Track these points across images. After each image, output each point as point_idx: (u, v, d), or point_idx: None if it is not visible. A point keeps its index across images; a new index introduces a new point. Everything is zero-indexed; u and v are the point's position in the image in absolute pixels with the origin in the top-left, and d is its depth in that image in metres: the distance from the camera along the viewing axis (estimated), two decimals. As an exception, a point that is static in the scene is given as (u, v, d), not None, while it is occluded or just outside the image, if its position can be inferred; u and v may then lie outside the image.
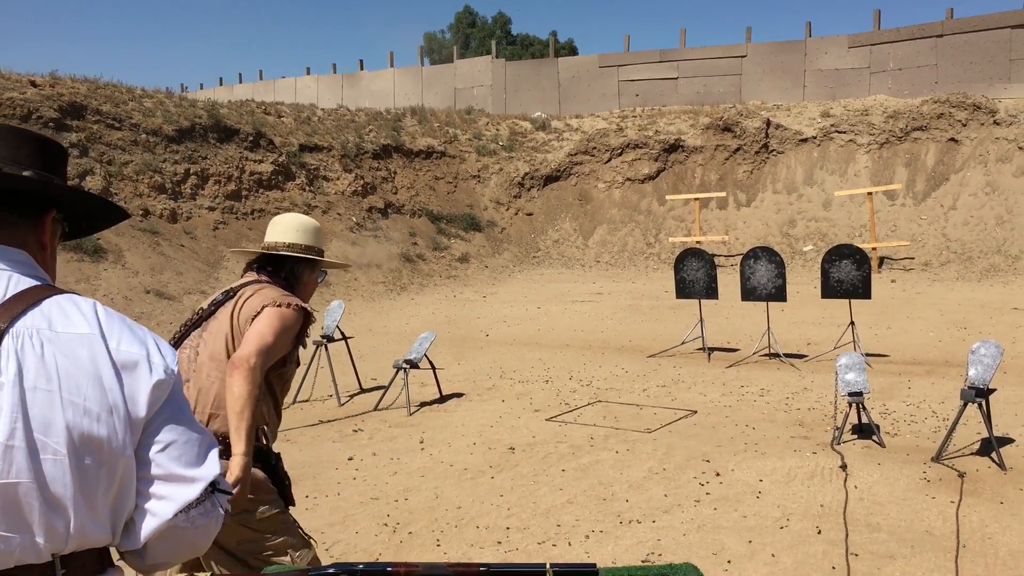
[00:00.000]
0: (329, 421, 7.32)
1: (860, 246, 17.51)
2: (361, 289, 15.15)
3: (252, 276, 3.02)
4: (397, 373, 7.80)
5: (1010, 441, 6.14)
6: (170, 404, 1.41)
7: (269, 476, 2.79)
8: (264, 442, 2.78)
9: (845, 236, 18.58)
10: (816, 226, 19.29)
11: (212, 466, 1.43)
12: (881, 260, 17.51)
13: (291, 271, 3.02)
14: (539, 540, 4.52)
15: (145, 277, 12.34)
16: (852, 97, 22.08)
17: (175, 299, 12.18)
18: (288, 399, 8.10)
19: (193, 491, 1.39)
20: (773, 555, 4.25)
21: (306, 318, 2.87)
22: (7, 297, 1.35)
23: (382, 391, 7.95)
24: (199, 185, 15.18)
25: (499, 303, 14.91)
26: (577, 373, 9.02)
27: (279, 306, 2.79)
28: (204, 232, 14.53)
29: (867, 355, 9.32)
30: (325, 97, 29.05)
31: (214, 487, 1.43)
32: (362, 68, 30.06)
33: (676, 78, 24.29)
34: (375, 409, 7.67)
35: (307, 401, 8.02)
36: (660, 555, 4.28)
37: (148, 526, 1.37)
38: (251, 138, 16.72)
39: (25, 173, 1.42)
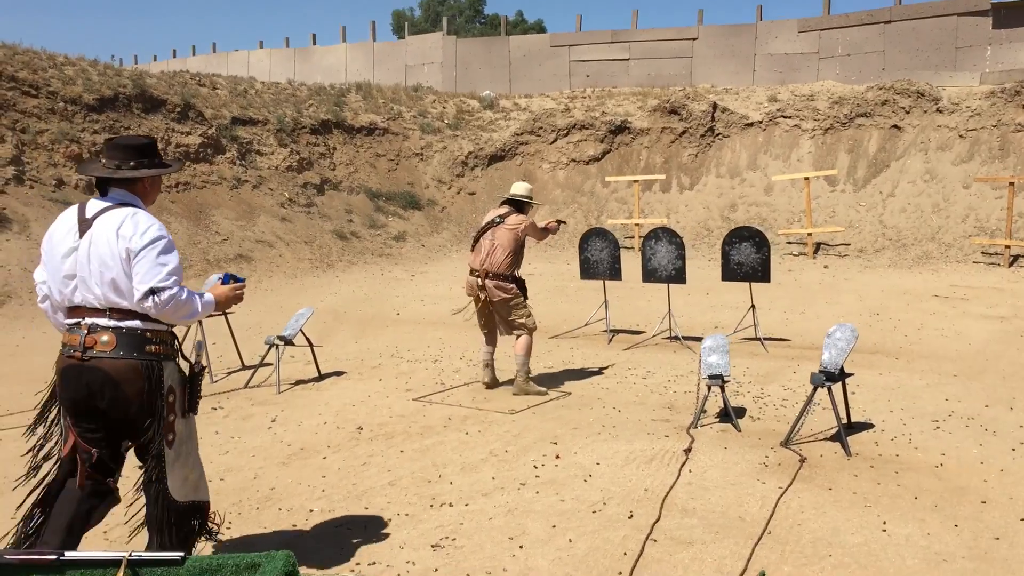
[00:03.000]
0: (192, 398, 7.09)
1: (797, 231, 17.52)
2: (285, 266, 14.87)
3: (506, 208, 7.16)
4: (270, 350, 7.59)
5: (869, 427, 6.03)
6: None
7: (520, 289, 7.10)
8: (517, 273, 7.15)
9: (784, 221, 18.53)
10: (757, 211, 19.20)
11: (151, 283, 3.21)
12: (817, 246, 17.46)
13: (521, 206, 7.20)
14: (338, 524, 4.34)
15: (50, 249, 12.00)
16: (800, 82, 21.97)
17: (79, 272, 11.87)
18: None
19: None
20: (570, 540, 4.10)
21: (531, 222, 7.11)
22: (104, 207, 3.35)
23: (252, 369, 7.74)
24: (120, 156, 14.79)
25: (426, 282, 14.69)
26: (469, 354, 8.84)
27: (518, 215, 7.09)
28: (122, 204, 14.18)
29: (766, 339, 9.22)
30: (277, 71, 28.58)
31: (152, 291, 3.21)
32: (315, 43, 29.59)
33: (627, 59, 24.07)
34: (245, 387, 7.45)
35: (178, 377, 7.78)
36: (454, 539, 4.12)
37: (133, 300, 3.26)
38: (179, 109, 16.33)
39: (109, 171, 3.41)
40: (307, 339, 7.85)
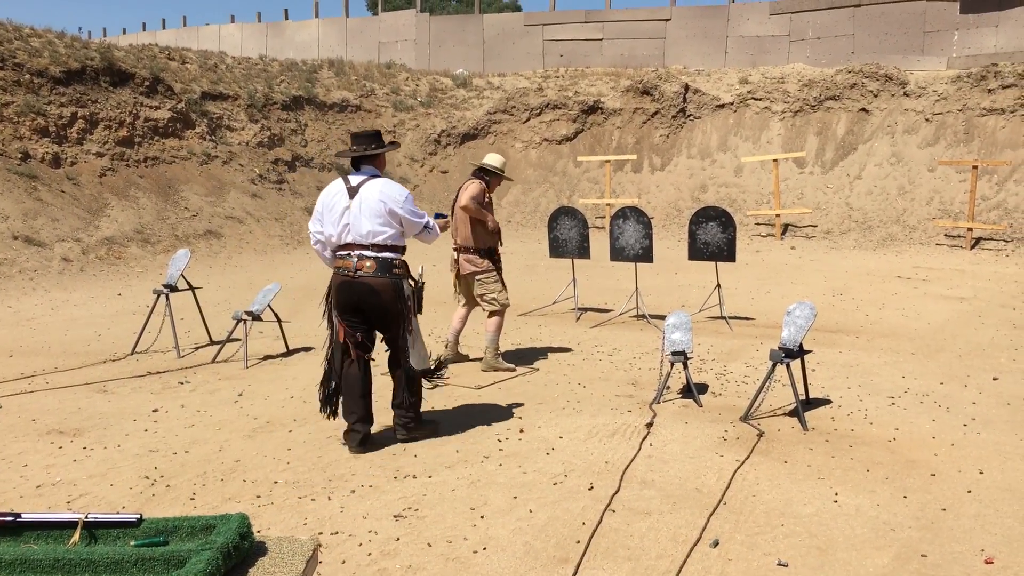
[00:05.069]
0: (159, 373, 7.09)
1: (766, 213, 17.69)
2: (255, 242, 14.81)
3: (470, 179, 7.13)
4: (237, 325, 7.60)
5: (827, 402, 6.17)
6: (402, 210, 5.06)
7: (492, 262, 7.12)
8: (491, 246, 7.11)
9: (754, 202, 18.70)
10: (727, 192, 19.35)
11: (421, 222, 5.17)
12: (785, 227, 17.65)
13: (487, 174, 7.14)
14: (301, 495, 4.40)
15: (15, 222, 11.87)
16: (771, 65, 22.10)
17: (45, 246, 11.75)
18: (126, 350, 7.87)
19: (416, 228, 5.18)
20: (531, 511, 4.19)
21: (483, 188, 7.07)
22: (364, 179, 5.07)
23: (219, 344, 7.75)
24: (87, 130, 14.64)
25: (397, 260, 14.71)
26: (438, 330, 8.89)
27: (473, 184, 7.03)
28: (89, 178, 14.03)
29: (731, 318, 9.35)
30: (249, 46, 28.28)
31: (424, 227, 5.21)
32: (287, 17, 29.29)
33: (601, 39, 24.07)
34: (212, 361, 7.46)
35: (145, 352, 7.78)
36: (417, 510, 4.19)
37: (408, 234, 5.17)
38: (147, 83, 16.15)
39: (357, 152, 5.15)
40: (275, 314, 7.86)
